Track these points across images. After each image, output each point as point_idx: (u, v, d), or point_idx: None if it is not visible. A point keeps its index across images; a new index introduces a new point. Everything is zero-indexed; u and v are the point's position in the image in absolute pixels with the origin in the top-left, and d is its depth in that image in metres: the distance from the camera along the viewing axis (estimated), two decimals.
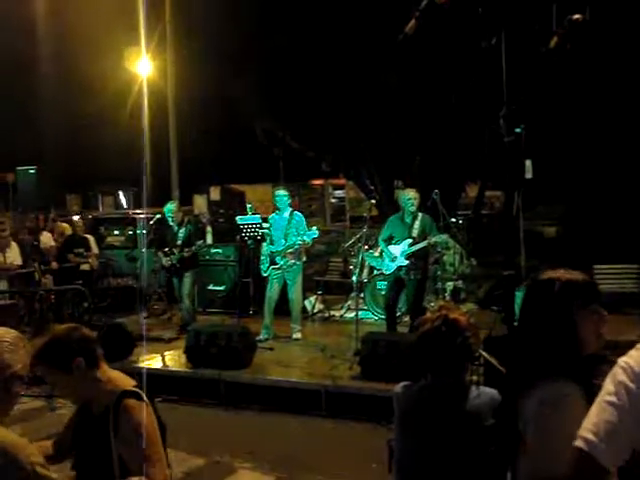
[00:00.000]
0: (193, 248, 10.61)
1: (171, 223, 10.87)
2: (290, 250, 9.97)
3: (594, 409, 2.10)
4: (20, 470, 2.52)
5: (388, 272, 9.45)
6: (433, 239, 9.21)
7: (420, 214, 9.44)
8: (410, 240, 9.20)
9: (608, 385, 2.11)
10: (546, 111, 12.69)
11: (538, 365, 2.48)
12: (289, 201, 10.33)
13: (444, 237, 9.51)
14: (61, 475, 2.93)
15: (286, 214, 10.18)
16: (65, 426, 3.30)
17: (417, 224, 9.32)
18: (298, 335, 10.18)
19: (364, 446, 6.63)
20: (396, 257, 9.24)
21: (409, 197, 9.36)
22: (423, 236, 9.22)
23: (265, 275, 10.29)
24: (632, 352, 2.14)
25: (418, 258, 9.26)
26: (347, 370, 8.32)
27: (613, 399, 2.06)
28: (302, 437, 7.26)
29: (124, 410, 2.98)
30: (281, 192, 10.33)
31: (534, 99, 11.20)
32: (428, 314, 3.14)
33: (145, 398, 3.06)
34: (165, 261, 10.85)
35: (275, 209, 10.42)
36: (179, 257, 10.68)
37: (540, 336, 2.50)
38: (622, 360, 2.13)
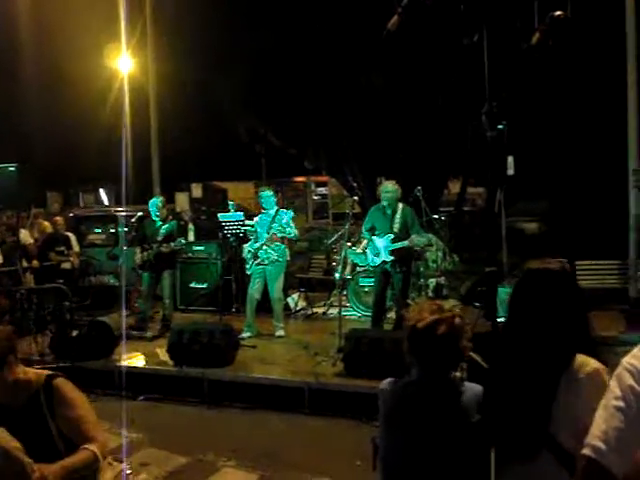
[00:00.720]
0: (172, 244, 10.39)
1: (154, 218, 10.72)
2: (269, 241, 9.91)
3: (602, 414, 2.06)
4: (6, 456, 2.68)
5: (373, 265, 9.43)
6: (415, 240, 9.13)
7: (401, 205, 9.35)
8: (392, 235, 9.16)
9: (614, 388, 2.06)
10: (528, 107, 12.75)
11: (564, 349, 2.54)
12: (275, 200, 10.27)
13: (424, 240, 9.40)
14: None
15: (272, 212, 10.14)
16: None
17: (398, 217, 9.24)
18: (281, 332, 10.15)
19: (348, 443, 6.63)
20: (379, 252, 9.22)
21: (387, 190, 9.29)
22: (405, 230, 9.17)
23: (249, 273, 10.25)
24: (636, 352, 2.08)
25: (402, 252, 9.23)
26: (330, 367, 8.31)
27: (621, 404, 2.02)
28: (285, 435, 7.25)
29: (57, 388, 3.22)
30: (266, 192, 10.27)
31: (516, 95, 11.24)
32: (424, 309, 3.08)
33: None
34: (140, 257, 10.59)
35: (261, 209, 10.36)
36: (156, 252, 10.47)
37: (563, 322, 2.57)
38: (626, 361, 2.08)
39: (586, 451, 2.02)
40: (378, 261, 9.29)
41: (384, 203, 9.26)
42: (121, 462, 3.43)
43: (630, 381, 2.03)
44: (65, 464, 3.09)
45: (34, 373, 3.34)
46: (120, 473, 3.36)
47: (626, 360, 2.08)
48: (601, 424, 2.03)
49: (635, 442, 2.01)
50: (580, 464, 2.05)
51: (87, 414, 3.28)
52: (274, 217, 10.04)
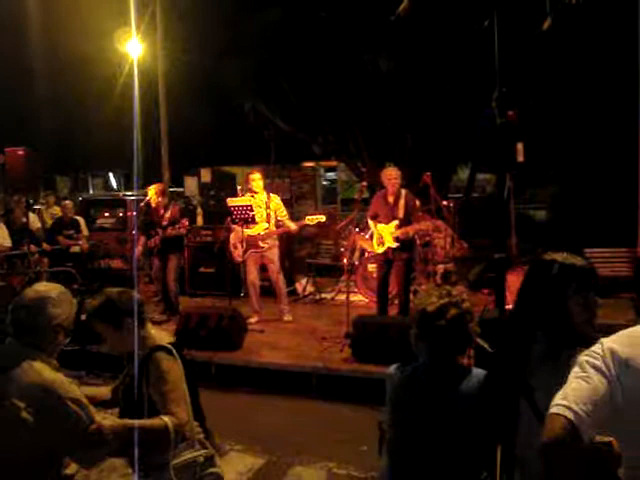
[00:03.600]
0: (177, 226, 10.38)
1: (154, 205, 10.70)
2: (271, 235, 9.91)
3: (567, 383, 2.23)
4: (59, 403, 3.05)
5: (378, 252, 9.38)
6: (418, 225, 9.12)
7: (403, 192, 9.26)
8: (396, 222, 9.11)
9: (583, 363, 2.25)
10: (539, 93, 12.68)
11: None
12: (262, 182, 10.13)
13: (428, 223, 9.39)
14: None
15: (263, 197, 10.05)
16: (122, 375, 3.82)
17: (401, 203, 9.18)
18: (289, 317, 10.15)
19: (355, 428, 6.64)
20: (384, 239, 9.18)
21: (392, 176, 9.24)
22: (408, 215, 9.14)
23: (240, 260, 10.22)
24: (615, 335, 2.29)
25: (405, 238, 9.18)
26: (338, 352, 8.33)
27: (582, 373, 2.22)
28: (293, 419, 7.27)
29: (152, 361, 3.50)
30: (255, 175, 10.20)
31: (527, 81, 11.17)
32: (433, 294, 3.08)
33: (175, 353, 3.56)
34: (148, 242, 10.64)
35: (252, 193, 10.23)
36: (163, 237, 10.47)
37: (537, 314, 2.60)
38: (599, 340, 2.29)
39: (551, 410, 2.18)
40: (382, 248, 9.24)
41: (388, 187, 9.20)
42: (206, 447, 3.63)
43: (592, 355, 2.24)
44: (129, 422, 3.33)
45: (153, 341, 3.62)
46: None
47: (601, 339, 2.30)
48: (565, 389, 2.21)
49: (592, 402, 2.15)
50: (546, 423, 2.18)
51: (174, 390, 3.46)
52: (268, 203, 9.99)
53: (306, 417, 7.32)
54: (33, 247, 11.39)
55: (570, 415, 2.11)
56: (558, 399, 2.16)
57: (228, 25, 14.98)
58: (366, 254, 11.24)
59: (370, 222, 9.44)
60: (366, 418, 6.54)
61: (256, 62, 15.39)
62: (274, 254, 10.03)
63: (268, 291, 10.37)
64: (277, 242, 10.14)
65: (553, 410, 2.15)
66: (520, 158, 9.25)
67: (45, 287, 3.39)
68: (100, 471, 5.97)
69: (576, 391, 2.17)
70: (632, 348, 2.20)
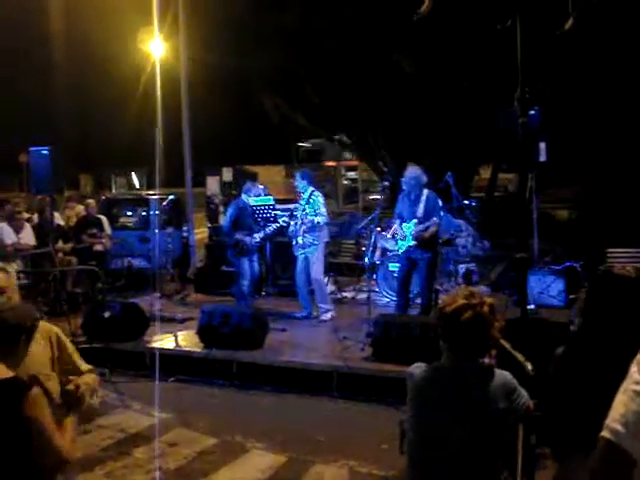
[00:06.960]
0: (281, 221, 10.33)
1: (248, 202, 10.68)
2: (304, 228, 9.92)
3: (622, 398, 2.04)
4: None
5: (400, 251, 9.35)
6: (436, 220, 9.08)
7: (426, 192, 9.19)
8: (416, 220, 9.09)
9: (635, 374, 2.05)
10: (561, 93, 12.62)
11: None
12: (305, 183, 10.11)
13: (437, 220, 9.32)
14: None
15: (306, 195, 10.07)
16: None
17: (422, 203, 9.13)
18: (327, 316, 10.07)
19: (375, 427, 6.66)
20: (406, 236, 9.16)
21: (406, 175, 9.21)
22: (427, 215, 9.12)
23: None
24: None
25: (426, 237, 9.14)
26: (359, 352, 8.33)
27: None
28: (314, 418, 7.29)
29: None
30: (296, 176, 10.26)
31: (549, 81, 11.12)
32: (458, 294, 3.09)
33: None
34: (250, 240, 10.51)
35: (295, 195, 10.34)
36: (264, 235, 10.53)
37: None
38: None
39: (605, 433, 2.02)
40: (404, 246, 9.22)
41: (403, 187, 9.22)
42: None
43: None
44: None
45: None
46: None
47: None
48: (620, 408, 2.03)
49: None
50: (598, 446, 2.04)
51: None
52: (307, 201, 9.99)
53: (327, 416, 7.35)
54: (60, 245, 11.49)
55: (610, 435, 1.99)
56: (618, 424, 2.00)
57: (250, 24, 15.02)
58: (387, 253, 11.23)
59: (395, 220, 9.44)
60: (387, 417, 6.57)
61: (278, 61, 15.42)
62: (311, 253, 9.98)
63: (288, 290, 10.36)
64: (319, 241, 10.02)
65: (610, 437, 2.00)
66: (542, 158, 9.21)
67: None
68: (124, 467, 6.05)
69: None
70: None
